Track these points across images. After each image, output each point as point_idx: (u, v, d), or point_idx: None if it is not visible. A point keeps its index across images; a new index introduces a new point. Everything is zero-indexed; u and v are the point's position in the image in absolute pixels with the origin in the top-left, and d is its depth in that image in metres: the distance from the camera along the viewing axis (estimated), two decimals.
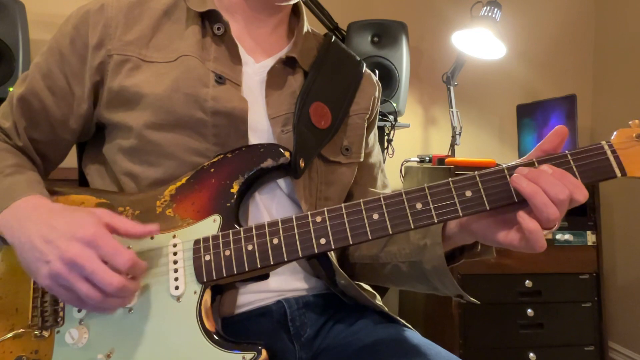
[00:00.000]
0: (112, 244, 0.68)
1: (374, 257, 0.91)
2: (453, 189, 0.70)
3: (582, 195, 0.66)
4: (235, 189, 0.79)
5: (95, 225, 0.69)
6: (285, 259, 0.72)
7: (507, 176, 0.69)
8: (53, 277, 0.67)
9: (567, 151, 0.69)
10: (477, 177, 0.70)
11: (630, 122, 0.70)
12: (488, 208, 0.69)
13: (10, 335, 0.76)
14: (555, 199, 0.65)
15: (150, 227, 0.73)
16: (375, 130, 1.04)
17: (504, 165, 0.70)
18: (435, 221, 0.70)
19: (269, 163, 0.80)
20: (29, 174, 0.82)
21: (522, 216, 0.66)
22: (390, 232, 0.71)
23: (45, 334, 0.75)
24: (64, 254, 0.66)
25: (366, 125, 0.98)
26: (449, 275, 0.79)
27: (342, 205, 0.72)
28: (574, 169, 0.68)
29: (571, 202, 0.66)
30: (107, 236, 0.68)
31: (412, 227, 0.70)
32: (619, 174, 0.68)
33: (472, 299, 0.83)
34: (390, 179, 1.08)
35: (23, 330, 0.76)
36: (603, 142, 0.69)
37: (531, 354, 1.90)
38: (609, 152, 0.68)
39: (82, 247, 0.66)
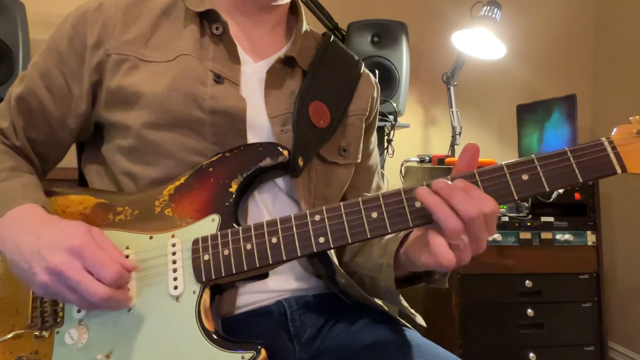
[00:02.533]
0: (98, 255, 0.68)
1: (345, 264, 0.91)
2: None
3: (488, 207, 0.65)
4: (234, 188, 0.79)
5: (83, 235, 0.69)
6: (284, 258, 0.72)
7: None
8: (42, 288, 0.68)
9: (566, 148, 0.69)
10: (477, 175, 0.70)
11: (630, 118, 0.69)
12: None
13: (10, 335, 0.76)
14: (464, 215, 0.64)
15: (129, 264, 0.72)
16: (375, 132, 1.04)
17: (503, 163, 0.70)
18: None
19: (267, 162, 0.80)
20: (25, 178, 0.81)
21: (430, 232, 0.67)
22: (390, 231, 0.70)
23: (45, 334, 0.75)
24: (49, 264, 0.67)
25: (364, 126, 0.97)
26: (398, 298, 0.80)
27: (341, 204, 0.72)
28: (574, 165, 0.68)
29: (485, 215, 0.66)
30: (93, 247, 0.68)
31: (411, 225, 0.70)
32: (619, 170, 0.67)
33: (421, 320, 0.84)
34: (391, 179, 1.08)
35: (23, 330, 0.76)
36: (603, 139, 0.68)
37: (531, 354, 1.90)
38: (609, 149, 0.68)
39: (68, 257, 0.67)
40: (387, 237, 0.83)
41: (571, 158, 0.68)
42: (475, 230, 0.66)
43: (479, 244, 0.67)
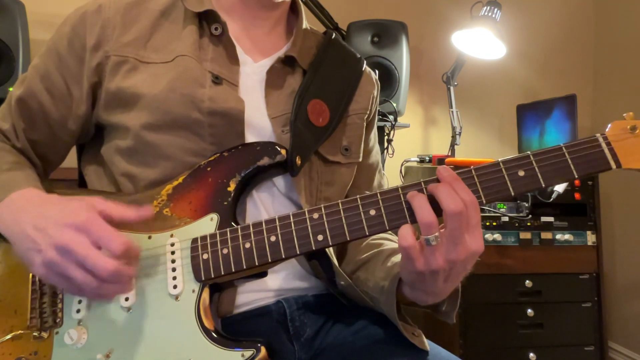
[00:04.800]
0: (105, 228, 0.67)
1: (349, 274, 0.90)
2: None
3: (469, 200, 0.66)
4: (232, 187, 0.79)
5: (87, 211, 0.68)
6: (283, 256, 0.72)
7: (503, 169, 0.70)
8: (47, 265, 0.67)
9: (561, 144, 0.69)
10: (473, 172, 0.70)
11: (624, 115, 0.70)
12: (485, 202, 0.70)
13: (9, 336, 0.76)
14: (445, 207, 0.65)
15: (144, 211, 0.72)
16: (374, 130, 1.04)
17: (499, 160, 0.70)
18: None
19: (265, 161, 0.80)
20: (28, 171, 0.82)
21: None
22: (387, 228, 0.71)
23: (44, 335, 0.75)
24: (56, 240, 0.66)
25: (365, 125, 0.97)
26: (398, 323, 0.79)
27: (339, 201, 0.72)
28: (569, 161, 0.69)
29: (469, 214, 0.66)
30: (99, 221, 0.67)
31: (409, 221, 0.70)
32: (613, 165, 0.68)
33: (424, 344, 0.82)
34: (390, 179, 1.08)
35: (22, 331, 0.76)
36: (598, 135, 0.69)
37: (531, 354, 1.90)
38: (603, 145, 0.69)
39: (74, 233, 0.66)
40: (391, 257, 0.83)
41: (566, 154, 0.69)
42: (453, 227, 0.65)
43: (453, 248, 0.66)
